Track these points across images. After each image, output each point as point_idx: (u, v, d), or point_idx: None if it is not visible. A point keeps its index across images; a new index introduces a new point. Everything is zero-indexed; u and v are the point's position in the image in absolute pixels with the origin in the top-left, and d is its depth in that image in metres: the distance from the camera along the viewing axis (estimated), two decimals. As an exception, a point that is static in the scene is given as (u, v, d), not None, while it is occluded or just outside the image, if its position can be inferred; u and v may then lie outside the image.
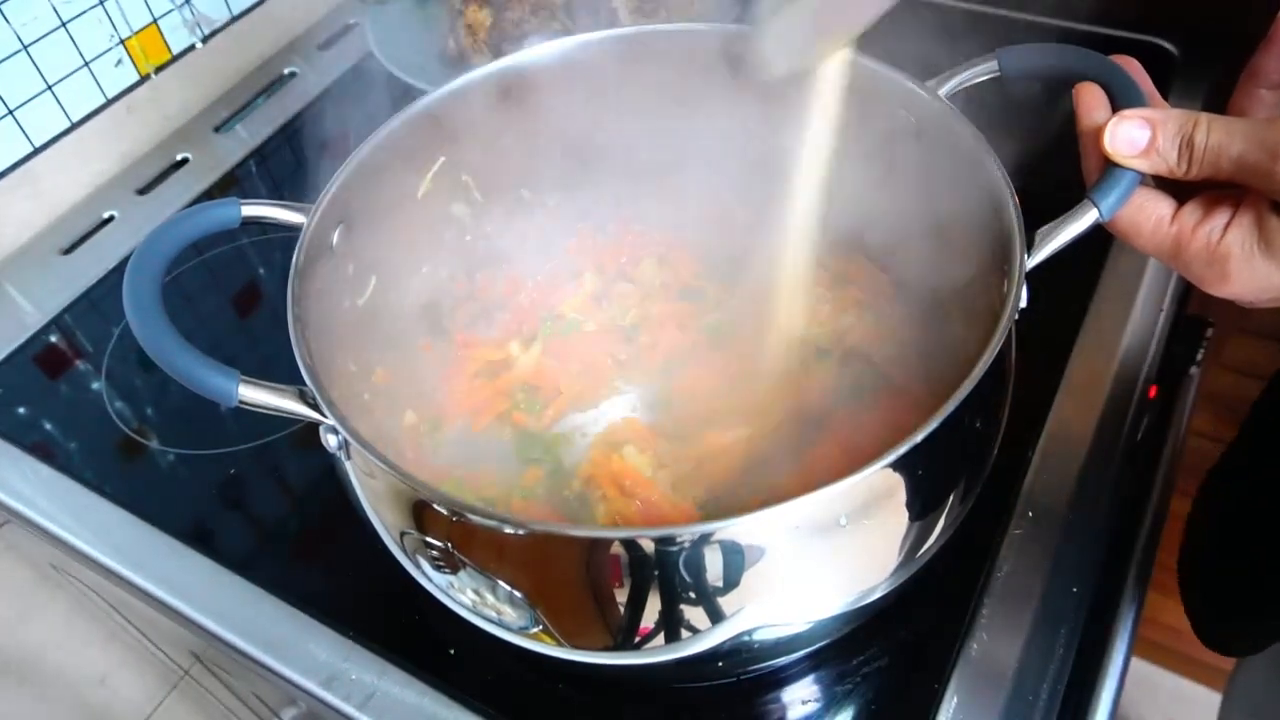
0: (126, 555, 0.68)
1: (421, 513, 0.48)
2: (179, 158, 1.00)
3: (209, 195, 0.96)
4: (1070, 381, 0.71)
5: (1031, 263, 0.49)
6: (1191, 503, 0.83)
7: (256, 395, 0.48)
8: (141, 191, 0.97)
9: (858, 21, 0.51)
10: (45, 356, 0.83)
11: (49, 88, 0.90)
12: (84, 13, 0.91)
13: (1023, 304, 0.48)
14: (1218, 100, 0.87)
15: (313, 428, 0.49)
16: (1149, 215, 0.48)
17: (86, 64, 0.93)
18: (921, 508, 0.48)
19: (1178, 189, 0.48)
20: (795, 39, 0.54)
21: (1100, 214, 0.48)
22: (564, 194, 0.75)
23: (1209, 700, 1.47)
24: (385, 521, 0.51)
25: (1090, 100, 0.50)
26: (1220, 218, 0.46)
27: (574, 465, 0.64)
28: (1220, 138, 0.44)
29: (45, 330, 0.85)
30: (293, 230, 0.56)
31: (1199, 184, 0.47)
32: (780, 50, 0.53)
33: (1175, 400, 0.80)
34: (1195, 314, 0.84)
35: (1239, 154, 0.44)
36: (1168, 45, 0.95)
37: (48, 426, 0.78)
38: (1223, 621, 0.79)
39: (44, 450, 0.75)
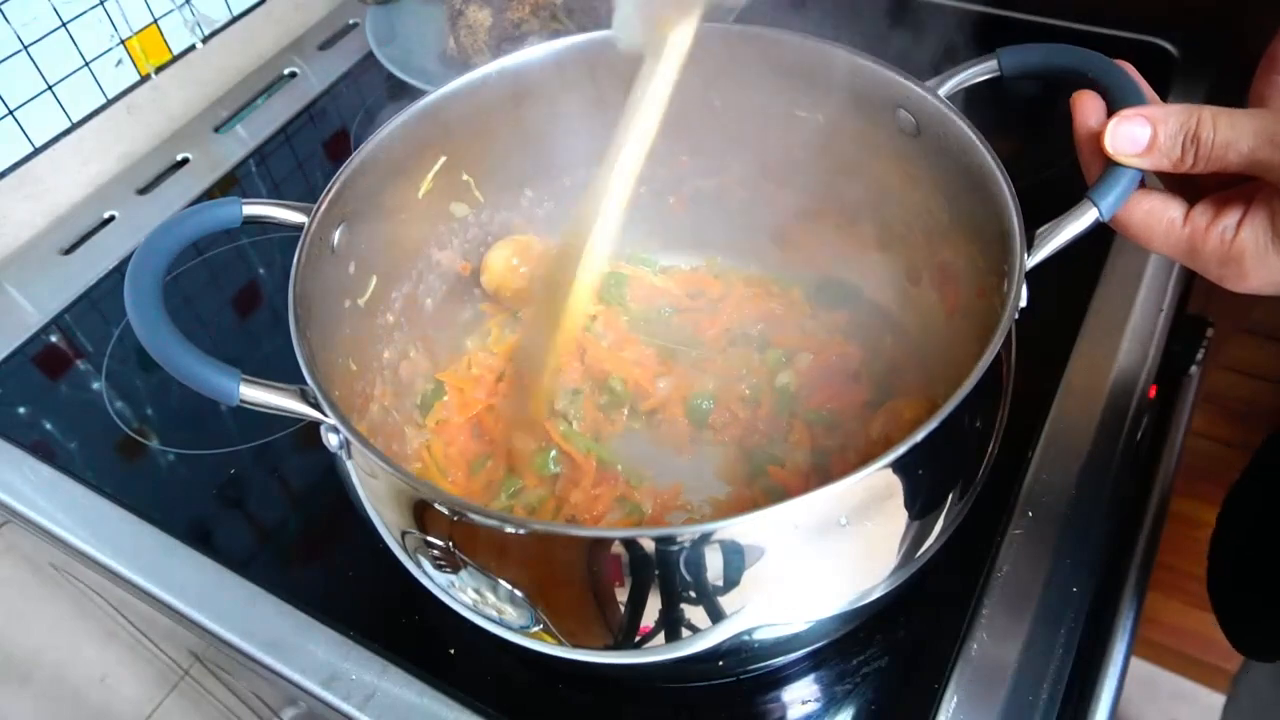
0: (126, 555, 0.68)
1: (423, 512, 0.48)
2: (179, 158, 1.00)
3: (209, 195, 0.96)
4: (1070, 381, 0.71)
5: (1031, 262, 0.49)
6: (1216, 519, 0.84)
7: (258, 395, 0.48)
8: (142, 191, 0.97)
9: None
10: (45, 356, 0.83)
11: (49, 88, 0.91)
12: (84, 13, 0.91)
13: (1023, 304, 0.48)
14: (1217, 100, 0.88)
15: (313, 427, 0.49)
16: (1160, 218, 0.48)
17: (87, 64, 0.93)
18: (921, 508, 0.48)
19: (1185, 182, 0.48)
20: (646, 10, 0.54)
21: (1100, 213, 0.48)
22: (564, 194, 0.75)
23: (1209, 700, 1.47)
24: (386, 521, 0.51)
25: (1087, 107, 0.50)
26: (1232, 216, 0.46)
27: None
28: (1227, 134, 0.44)
29: (45, 330, 0.85)
30: (293, 230, 0.56)
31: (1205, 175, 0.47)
32: (632, 22, 0.54)
33: (1175, 400, 0.81)
34: (1195, 314, 0.84)
35: (1249, 150, 0.44)
36: (1168, 45, 0.95)
37: (48, 426, 0.78)
38: (1256, 630, 0.79)
39: (44, 450, 0.75)
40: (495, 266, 0.72)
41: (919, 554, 0.50)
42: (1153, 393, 0.73)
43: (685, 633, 0.47)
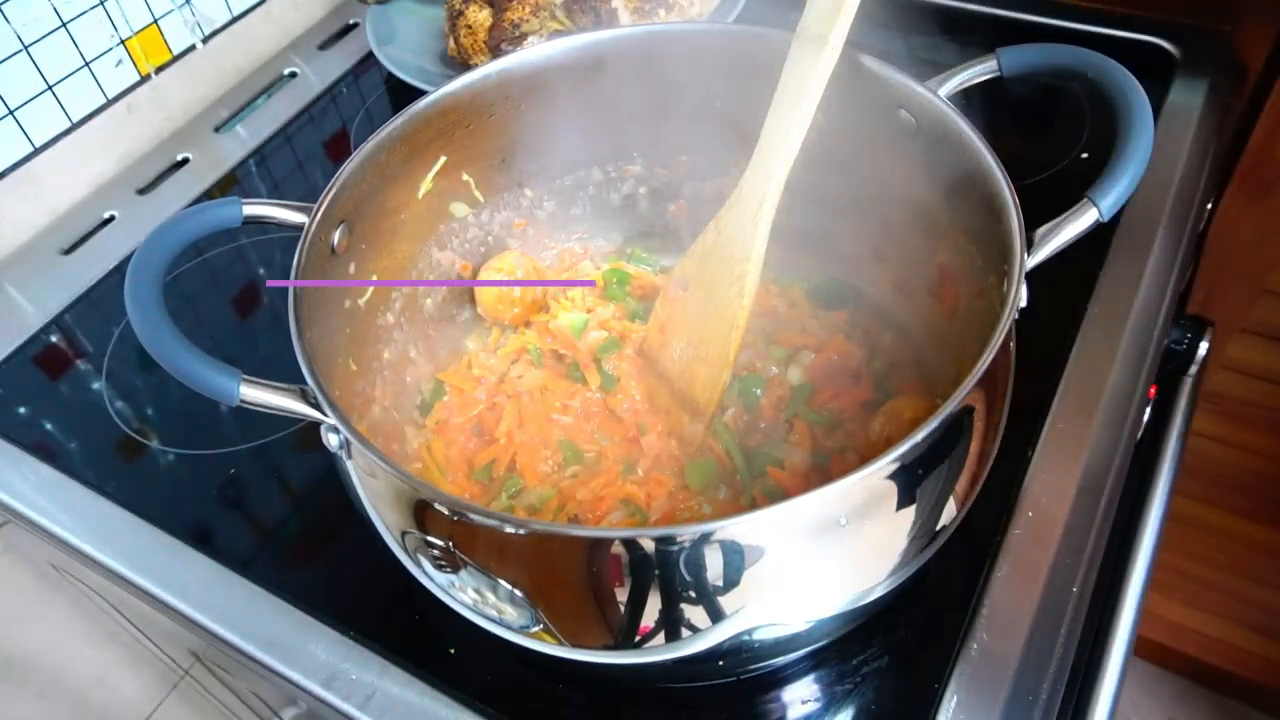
0: (127, 555, 0.68)
1: (423, 512, 0.48)
2: (179, 158, 1.00)
3: (209, 195, 0.96)
4: (1070, 381, 0.71)
5: (1031, 262, 0.49)
6: None
7: (258, 395, 0.48)
8: (142, 191, 0.97)
9: None
10: (45, 356, 0.83)
11: (49, 88, 0.91)
12: (84, 13, 0.91)
13: (1022, 304, 0.48)
14: (1217, 100, 0.88)
15: (313, 428, 0.49)
16: None
17: (87, 64, 0.93)
18: (921, 508, 0.48)
19: None
20: None
21: (1100, 213, 0.48)
22: (564, 194, 0.75)
23: (1210, 700, 1.47)
24: (386, 521, 0.51)
25: None
26: None
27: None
28: None
29: (45, 330, 0.85)
30: (294, 230, 0.56)
31: None
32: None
33: (1175, 400, 0.81)
34: (1195, 314, 0.84)
35: None
36: (1168, 45, 0.95)
37: (48, 426, 0.78)
38: None
39: (44, 450, 0.75)
40: (488, 293, 0.71)
41: (919, 554, 0.50)
42: (1153, 393, 0.73)
43: (685, 633, 0.47)
